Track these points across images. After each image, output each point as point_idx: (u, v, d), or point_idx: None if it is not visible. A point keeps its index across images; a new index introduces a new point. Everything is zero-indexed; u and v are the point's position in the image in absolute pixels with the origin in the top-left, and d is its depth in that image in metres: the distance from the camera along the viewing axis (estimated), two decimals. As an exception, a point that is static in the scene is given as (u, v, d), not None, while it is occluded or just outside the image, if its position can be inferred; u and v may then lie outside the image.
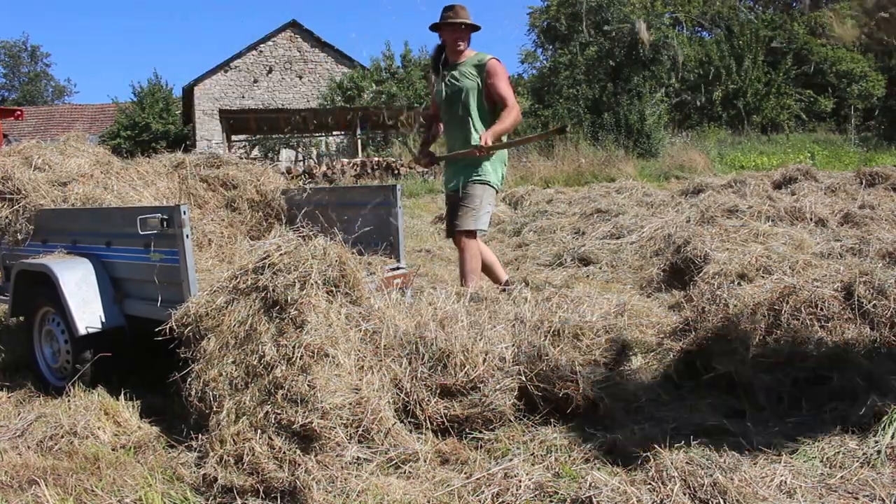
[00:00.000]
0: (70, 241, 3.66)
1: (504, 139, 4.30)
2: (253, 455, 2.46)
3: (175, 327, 2.89)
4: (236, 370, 2.73)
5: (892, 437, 2.50)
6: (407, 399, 2.79)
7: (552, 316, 3.03)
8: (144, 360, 3.42)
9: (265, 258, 2.89)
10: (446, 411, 2.77)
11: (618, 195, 9.52)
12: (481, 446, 2.72)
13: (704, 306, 3.56)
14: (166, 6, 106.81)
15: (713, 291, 3.64)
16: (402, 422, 2.74)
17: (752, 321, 3.32)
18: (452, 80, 4.29)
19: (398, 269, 3.86)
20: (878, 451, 2.44)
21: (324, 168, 18.35)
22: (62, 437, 2.92)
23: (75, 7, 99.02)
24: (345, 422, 2.53)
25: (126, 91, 66.65)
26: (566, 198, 10.07)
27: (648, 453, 2.42)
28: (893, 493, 2.22)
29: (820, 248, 5.35)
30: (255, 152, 23.49)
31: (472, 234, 4.20)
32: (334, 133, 24.74)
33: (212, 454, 2.55)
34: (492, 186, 4.25)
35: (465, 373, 2.78)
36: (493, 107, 4.24)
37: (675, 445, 2.50)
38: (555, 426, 2.84)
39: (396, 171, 17.81)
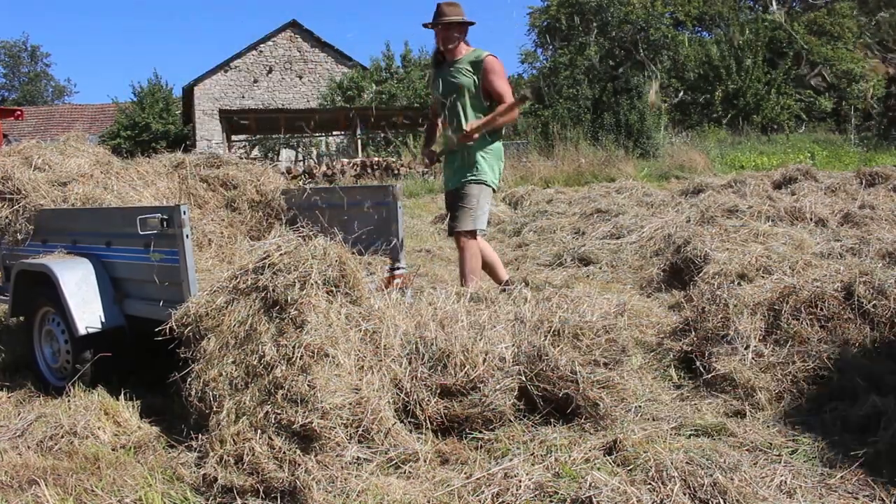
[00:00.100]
0: (70, 241, 3.66)
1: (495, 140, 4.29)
2: (253, 455, 2.46)
3: (175, 327, 2.89)
4: (236, 370, 2.73)
5: (893, 437, 2.50)
6: (407, 399, 2.79)
7: (552, 316, 3.03)
8: (144, 360, 3.42)
9: (265, 258, 2.89)
10: (446, 411, 2.77)
11: (618, 195, 9.52)
12: (481, 446, 2.72)
13: (704, 306, 3.57)
14: (166, 6, 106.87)
15: (713, 291, 3.64)
16: (402, 422, 2.74)
17: (752, 321, 3.32)
18: (449, 78, 4.30)
19: (398, 269, 3.86)
20: (878, 451, 2.44)
21: (324, 168, 18.36)
22: (62, 437, 2.92)
23: (75, 7, 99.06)
24: (345, 422, 2.53)
25: (126, 91, 66.71)
26: (566, 198, 10.07)
27: (648, 453, 2.42)
28: (893, 494, 2.22)
29: (820, 248, 5.35)
30: (255, 152, 23.50)
31: (471, 234, 4.20)
32: (334, 133, 24.74)
33: (212, 454, 2.55)
34: (489, 185, 4.25)
35: (465, 373, 2.78)
36: (490, 104, 4.24)
37: (675, 445, 2.50)
38: (555, 426, 2.84)
39: (396, 171, 17.81)
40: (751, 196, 7.85)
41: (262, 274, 2.84)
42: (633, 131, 18.58)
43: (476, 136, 4.15)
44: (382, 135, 22.98)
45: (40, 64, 53.83)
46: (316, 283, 2.79)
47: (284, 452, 2.45)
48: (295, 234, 3.03)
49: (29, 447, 2.90)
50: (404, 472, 2.54)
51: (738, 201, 7.06)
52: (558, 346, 2.91)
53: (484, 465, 2.56)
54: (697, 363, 3.33)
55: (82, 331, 3.32)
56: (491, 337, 2.92)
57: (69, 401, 3.21)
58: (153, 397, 3.32)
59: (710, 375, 3.17)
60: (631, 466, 2.41)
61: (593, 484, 2.26)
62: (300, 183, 5.31)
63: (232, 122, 22.94)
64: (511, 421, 2.85)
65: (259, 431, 2.53)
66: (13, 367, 4.06)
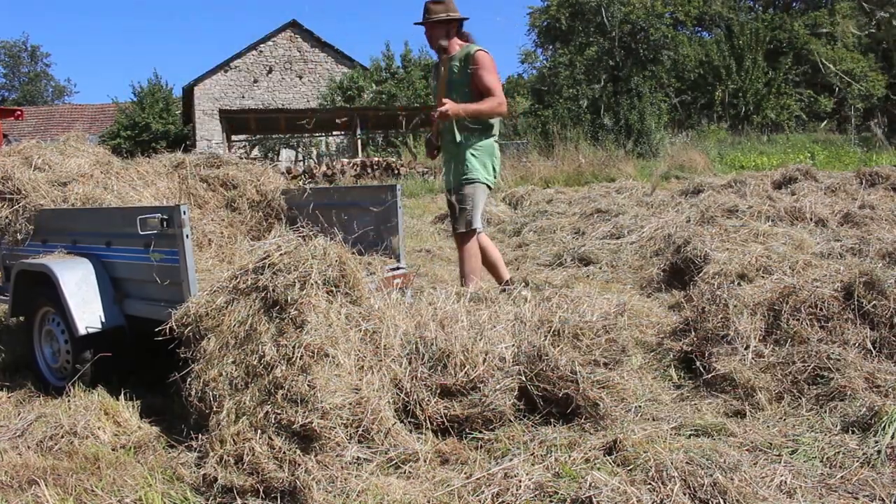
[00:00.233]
0: (70, 241, 3.66)
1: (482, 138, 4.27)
2: (253, 455, 2.46)
3: (175, 327, 2.89)
4: (236, 370, 2.73)
5: (892, 437, 2.50)
6: (407, 399, 2.79)
7: (552, 316, 3.03)
8: (144, 360, 3.42)
9: (265, 258, 2.89)
10: (446, 411, 2.77)
11: (618, 195, 9.52)
12: (481, 446, 2.72)
13: (704, 306, 3.56)
14: (166, 6, 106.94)
15: (713, 291, 3.64)
16: (402, 422, 2.74)
17: (752, 321, 3.32)
18: (439, 74, 4.35)
19: (398, 269, 3.86)
20: (878, 451, 2.44)
21: (324, 168, 18.36)
22: (62, 437, 2.92)
23: (75, 7, 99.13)
24: (345, 422, 2.53)
25: (126, 91, 66.77)
26: (566, 198, 10.07)
27: (648, 453, 2.42)
28: (893, 493, 2.22)
29: (820, 248, 5.35)
30: (255, 152, 23.51)
31: (468, 234, 4.20)
32: (334, 133, 24.76)
33: (212, 454, 2.55)
34: (482, 183, 4.23)
35: (465, 373, 2.78)
36: (481, 99, 4.22)
37: (675, 445, 2.50)
38: (555, 426, 2.84)
39: (396, 171, 17.82)
40: (751, 196, 7.85)
41: (262, 274, 2.84)
42: (632, 131, 18.58)
43: (450, 113, 4.09)
44: (382, 135, 22.99)
45: (40, 64, 53.93)
46: (316, 283, 2.79)
47: (284, 452, 2.45)
48: (295, 234, 3.03)
49: (29, 447, 2.90)
50: (404, 472, 2.54)
51: (738, 201, 7.06)
52: (558, 346, 2.91)
53: (484, 465, 2.56)
54: (697, 363, 3.33)
55: (82, 331, 3.32)
56: (491, 337, 2.92)
57: (69, 401, 3.21)
58: (153, 397, 3.32)
59: (710, 375, 3.17)
60: (631, 466, 2.41)
61: (593, 484, 2.26)
62: (300, 183, 5.30)
63: (232, 121, 22.94)
64: (511, 421, 2.85)
65: (259, 431, 2.53)
66: (13, 367, 4.06)
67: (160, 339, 2.93)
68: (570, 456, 2.56)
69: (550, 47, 26.48)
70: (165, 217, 3.07)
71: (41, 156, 4.16)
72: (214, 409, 2.67)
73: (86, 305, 3.37)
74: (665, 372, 3.43)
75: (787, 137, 21.64)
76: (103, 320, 3.39)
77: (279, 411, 2.53)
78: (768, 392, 2.97)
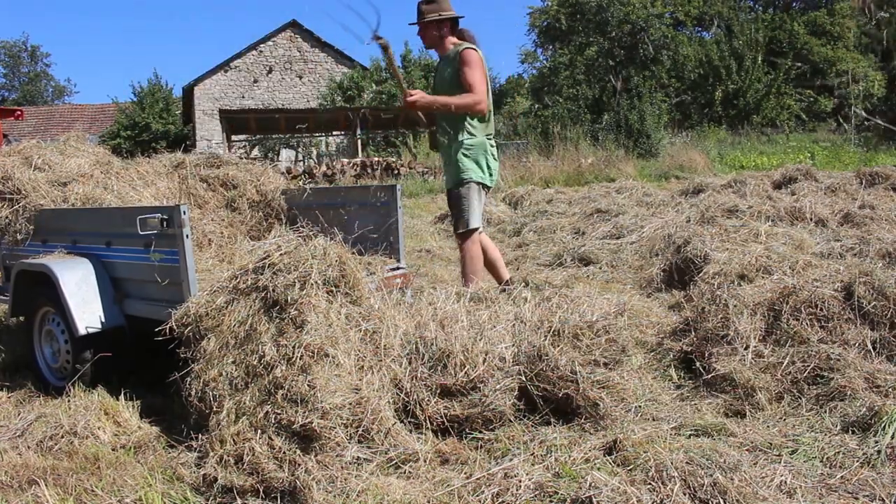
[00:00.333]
0: (70, 241, 3.66)
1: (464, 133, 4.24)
2: (253, 455, 2.46)
3: (175, 327, 2.89)
4: (236, 370, 2.73)
5: (892, 437, 2.50)
6: (407, 399, 2.79)
7: (552, 316, 3.03)
8: (144, 360, 3.42)
9: (265, 258, 2.89)
10: (446, 411, 2.77)
11: (618, 195, 9.51)
12: (481, 446, 2.72)
13: (704, 306, 3.56)
14: (166, 6, 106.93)
15: (713, 291, 3.64)
16: (402, 422, 2.74)
17: (752, 321, 3.32)
18: (439, 73, 4.37)
19: (398, 269, 3.86)
20: (878, 451, 2.44)
21: (324, 168, 18.36)
22: (62, 437, 2.92)
23: (75, 7, 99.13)
24: (345, 422, 2.53)
25: (126, 91, 66.73)
26: (566, 198, 10.07)
27: (648, 453, 2.42)
28: (893, 493, 2.23)
29: (820, 248, 5.35)
30: (255, 152, 23.50)
31: (467, 235, 4.19)
32: (334, 133, 24.75)
33: (212, 454, 2.55)
34: (475, 182, 4.20)
35: (465, 373, 2.78)
36: None
37: (675, 445, 2.50)
38: (555, 426, 2.84)
39: (396, 171, 17.82)
40: (751, 196, 7.85)
41: (262, 274, 2.84)
42: (633, 131, 18.59)
43: (418, 104, 4.11)
44: (382, 135, 22.99)
45: (40, 64, 53.91)
46: (316, 283, 2.79)
47: (284, 452, 2.45)
48: (295, 234, 3.03)
49: (29, 447, 2.90)
50: (404, 472, 2.54)
51: (738, 201, 7.05)
52: (558, 346, 2.91)
53: (484, 465, 2.56)
54: (697, 363, 3.33)
55: (82, 331, 3.32)
56: (491, 337, 2.92)
57: (69, 401, 3.21)
58: (153, 397, 3.32)
59: (710, 375, 3.17)
60: (631, 466, 2.41)
61: (593, 484, 2.26)
62: (300, 183, 5.30)
63: (232, 121, 22.94)
64: (511, 421, 2.85)
65: (259, 431, 2.53)
66: (13, 367, 4.06)
67: (160, 339, 2.93)
68: (570, 456, 2.56)
69: (550, 47, 26.49)
70: (165, 217, 3.07)
71: (41, 156, 4.16)
72: (214, 409, 2.67)
73: (86, 305, 3.37)
74: (665, 372, 3.43)
75: (787, 137, 21.65)
76: (103, 320, 3.39)
77: (279, 411, 2.53)
78: (768, 392, 2.97)
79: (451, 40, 4.26)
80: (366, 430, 2.57)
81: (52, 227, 3.82)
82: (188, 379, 2.79)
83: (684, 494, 2.17)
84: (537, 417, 2.89)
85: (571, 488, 2.32)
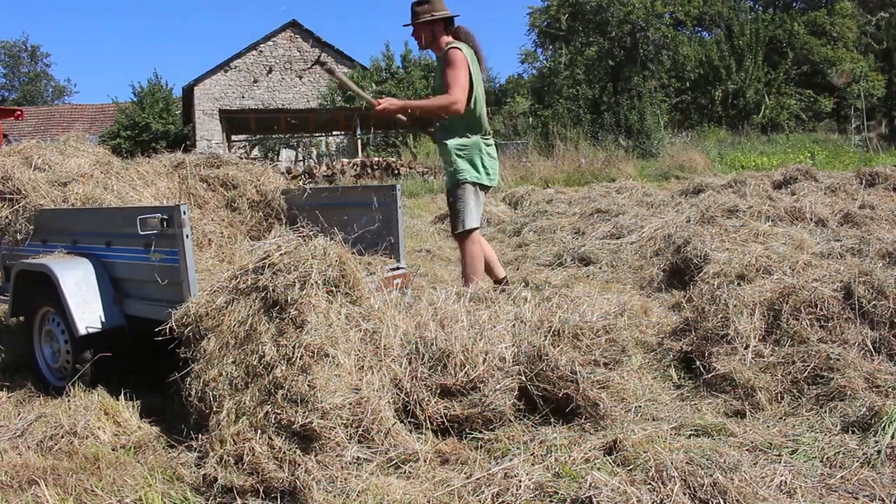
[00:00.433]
0: (70, 241, 3.66)
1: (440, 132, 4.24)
2: (253, 455, 2.46)
3: (175, 327, 2.89)
4: (236, 370, 2.73)
5: (892, 437, 2.50)
6: (407, 399, 2.79)
7: (552, 316, 3.03)
8: (144, 360, 3.42)
9: (265, 258, 2.89)
10: (446, 411, 2.77)
11: (618, 195, 9.51)
12: (481, 446, 2.72)
13: (704, 306, 3.57)
14: (166, 6, 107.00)
15: (713, 291, 3.64)
16: (402, 422, 2.74)
17: (752, 321, 3.32)
18: (435, 74, 4.38)
19: (398, 269, 3.86)
20: (878, 451, 2.44)
21: (324, 168, 18.37)
22: (62, 437, 2.92)
23: (75, 7, 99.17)
24: (345, 422, 2.53)
25: (126, 91, 66.72)
26: (566, 198, 10.06)
27: (648, 453, 2.42)
28: (893, 493, 2.23)
29: (820, 248, 5.35)
30: (255, 152, 23.51)
31: (466, 235, 4.18)
32: (334, 133, 24.75)
33: (212, 454, 2.55)
34: (470, 182, 4.17)
35: (465, 373, 2.78)
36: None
37: (675, 445, 2.50)
38: (555, 426, 2.84)
39: (396, 171, 17.82)
40: (751, 196, 7.85)
41: (262, 274, 2.85)
42: (632, 131, 18.59)
43: (389, 110, 4.13)
44: (382, 135, 22.99)
45: (40, 64, 53.93)
46: (316, 283, 2.79)
47: (284, 452, 2.45)
48: (295, 234, 3.03)
49: (29, 447, 2.90)
50: (404, 472, 2.54)
51: (738, 201, 7.05)
52: (558, 346, 2.91)
53: (484, 465, 2.56)
54: (697, 363, 3.33)
55: (82, 331, 3.32)
56: (491, 337, 2.92)
57: (69, 401, 3.21)
58: (153, 397, 3.32)
59: (710, 375, 3.17)
60: (631, 466, 2.41)
61: (593, 484, 2.26)
62: (300, 183, 5.31)
63: (232, 121, 22.95)
64: (511, 421, 2.85)
65: (259, 431, 2.53)
66: (13, 367, 4.06)
67: (160, 339, 2.93)
68: (570, 456, 2.56)
69: (550, 47, 26.49)
70: (165, 217, 3.07)
71: (41, 156, 4.16)
72: (214, 409, 2.67)
73: (86, 305, 3.37)
74: (665, 372, 3.43)
75: (787, 137, 21.66)
76: (103, 320, 3.39)
77: (279, 411, 2.53)
78: (768, 392, 2.97)
79: (446, 40, 4.23)
80: (366, 430, 2.57)
81: (52, 227, 3.82)
82: (188, 379, 2.79)
83: (684, 494, 2.17)
84: (537, 417, 2.89)
85: (571, 488, 2.32)
